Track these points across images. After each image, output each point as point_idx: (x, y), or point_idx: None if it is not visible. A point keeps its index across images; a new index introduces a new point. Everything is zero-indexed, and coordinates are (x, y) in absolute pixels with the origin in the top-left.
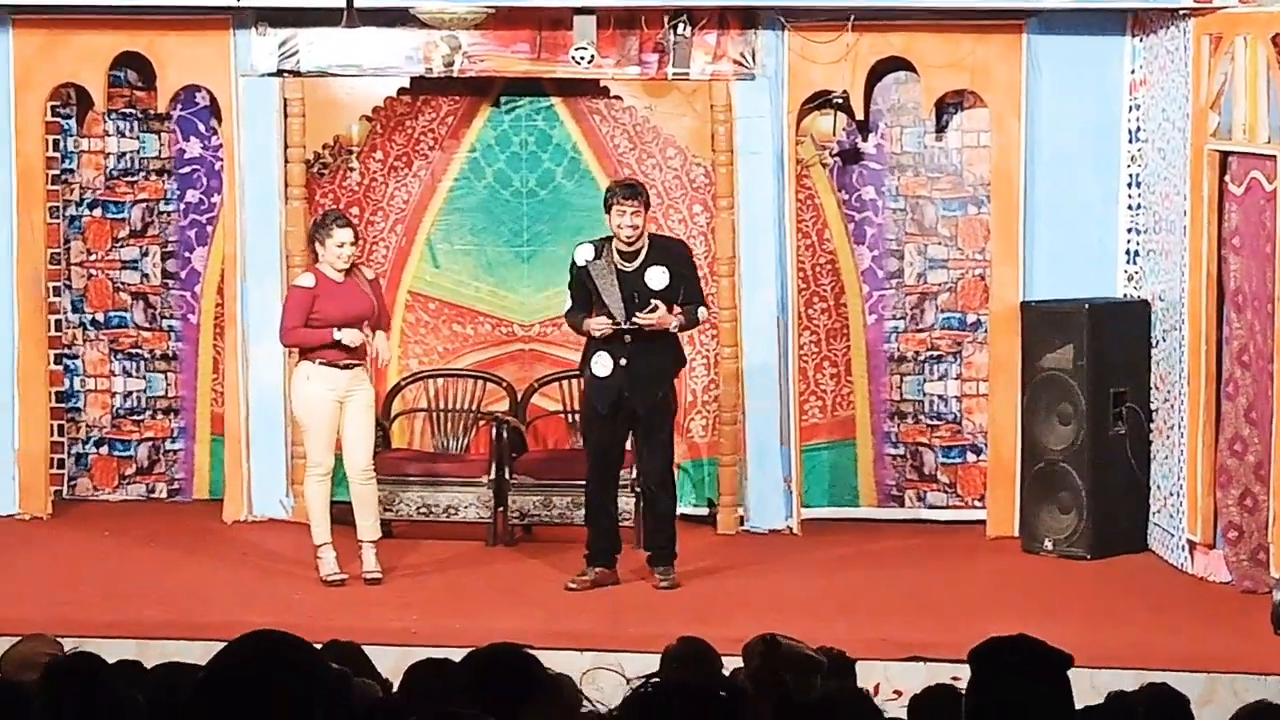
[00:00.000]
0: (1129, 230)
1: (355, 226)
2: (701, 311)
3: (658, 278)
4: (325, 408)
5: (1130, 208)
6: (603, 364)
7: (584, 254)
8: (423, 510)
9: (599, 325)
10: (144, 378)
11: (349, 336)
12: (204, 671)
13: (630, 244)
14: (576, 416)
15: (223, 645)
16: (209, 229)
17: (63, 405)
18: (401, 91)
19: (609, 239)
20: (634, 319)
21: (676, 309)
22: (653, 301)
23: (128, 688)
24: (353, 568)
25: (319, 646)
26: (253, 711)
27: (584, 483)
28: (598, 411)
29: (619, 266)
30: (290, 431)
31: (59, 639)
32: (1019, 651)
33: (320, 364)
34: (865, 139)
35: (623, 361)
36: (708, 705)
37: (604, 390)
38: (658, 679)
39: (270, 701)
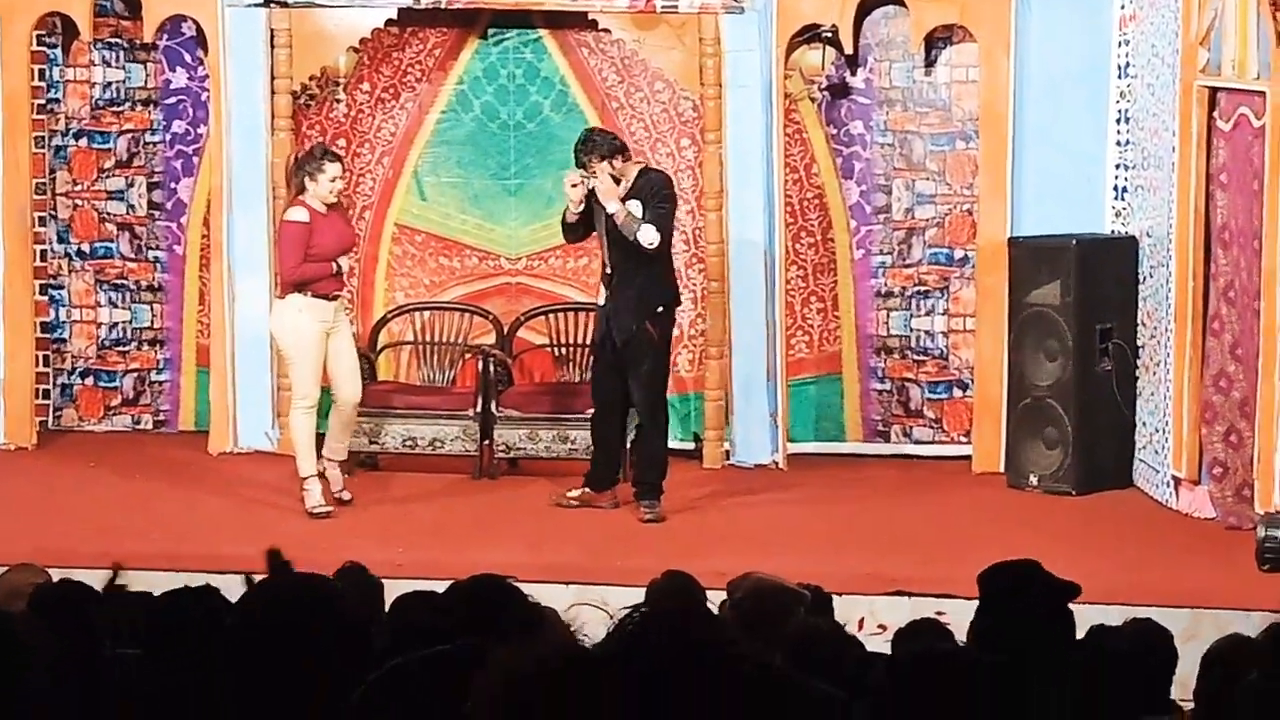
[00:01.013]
0: (1117, 166)
1: (341, 159)
2: (646, 230)
3: (633, 210)
4: (315, 339)
5: (1119, 143)
6: (601, 296)
7: (590, 182)
8: (408, 443)
9: (573, 194)
10: (129, 309)
11: (347, 265)
12: (234, 616)
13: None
14: (562, 350)
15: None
16: (195, 160)
17: (48, 336)
18: (389, 23)
19: None
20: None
21: (626, 205)
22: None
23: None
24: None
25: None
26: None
27: (568, 416)
28: (595, 342)
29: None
30: (276, 363)
31: (45, 569)
32: (1028, 577)
33: (312, 296)
34: (854, 73)
35: (609, 292)
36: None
37: (598, 321)
38: (644, 610)
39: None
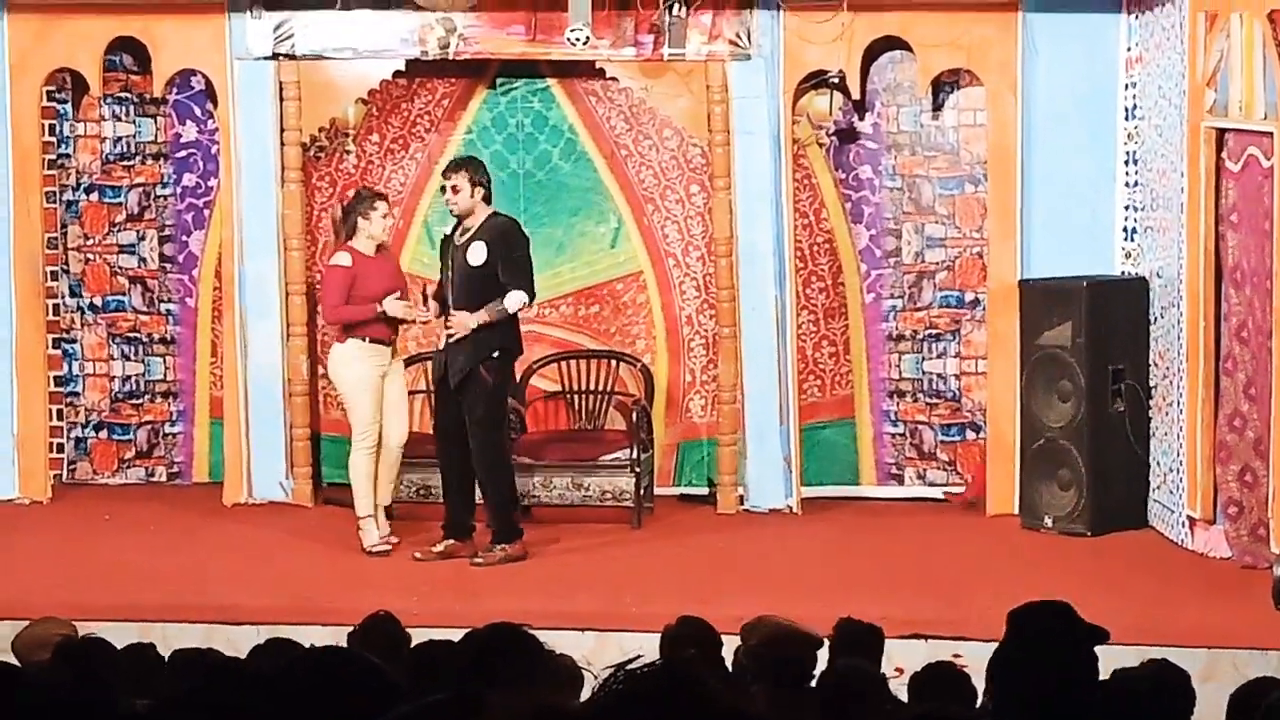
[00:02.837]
0: (1126, 207)
1: (388, 198)
2: (511, 299)
3: (477, 254)
4: (372, 383)
5: (1128, 185)
6: (443, 337)
7: (449, 228)
8: (422, 492)
9: (395, 307)
10: (142, 361)
11: (394, 307)
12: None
13: (461, 217)
14: (575, 397)
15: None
16: (206, 213)
17: (61, 389)
18: (397, 74)
19: None
20: (448, 325)
21: (481, 313)
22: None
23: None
24: (353, 542)
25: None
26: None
27: (582, 464)
28: (436, 384)
29: (455, 241)
30: (289, 413)
31: (71, 622)
32: (1058, 618)
33: (369, 341)
34: (862, 118)
35: (449, 334)
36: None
37: (437, 363)
38: (628, 669)
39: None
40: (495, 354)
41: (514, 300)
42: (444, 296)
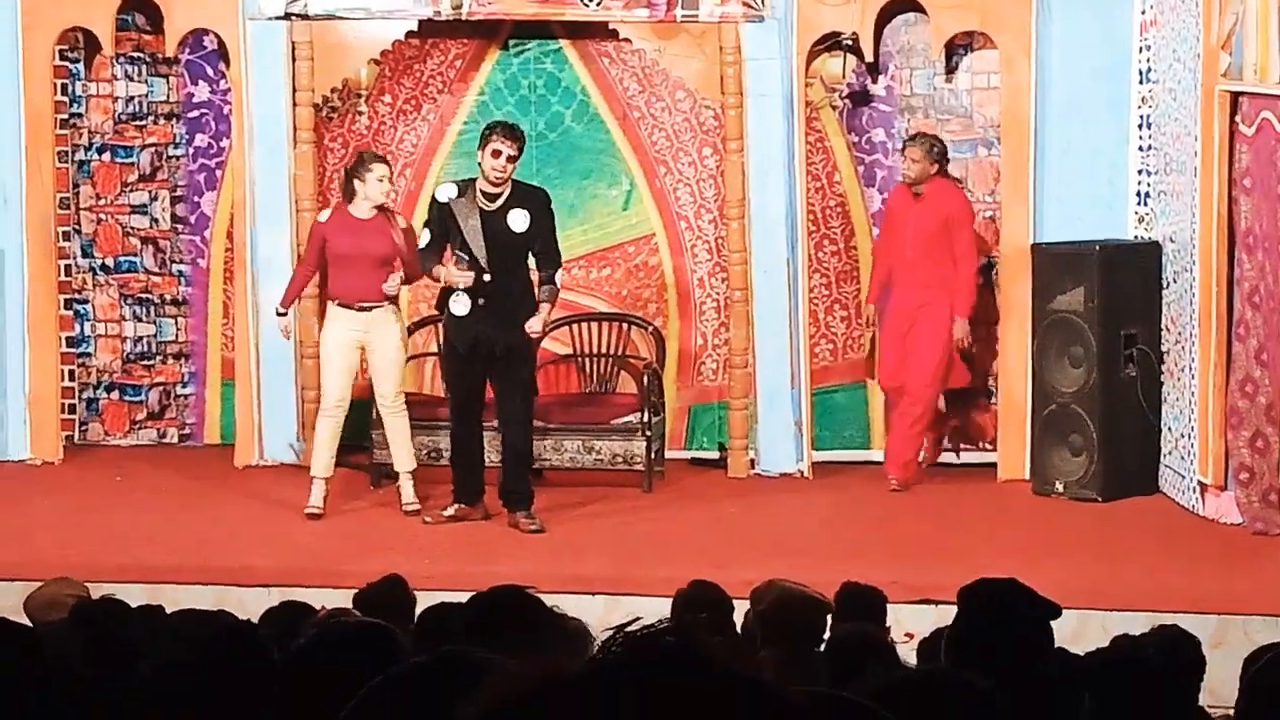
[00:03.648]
0: (1139, 172)
1: (389, 162)
2: (559, 277)
3: (519, 220)
4: (340, 347)
5: (1141, 149)
6: (461, 303)
7: (446, 192)
8: (432, 454)
9: (461, 277)
10: (154, 322)
11: (281, 322)
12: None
13: (496, 185)
14: (587, 361)
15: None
16: (218, 173)
17: (73, 350)
18: (410, 35)
19: (472, 180)
20: (531, 327)
21: (545, 306)
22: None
23: (151, 631)
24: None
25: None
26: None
27: (593, 426)
28: (457, 351)
29: (481, 206)
30: (300, 376)
31: (83, 583)
32: (1008, 594)
33: (337, 304)
34: (875, 81)
35: (480, 301)
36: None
37: (463, 329)
38: (626, 630)
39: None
40: (531, 315)
41: (559, 280)
42: (471, 269)
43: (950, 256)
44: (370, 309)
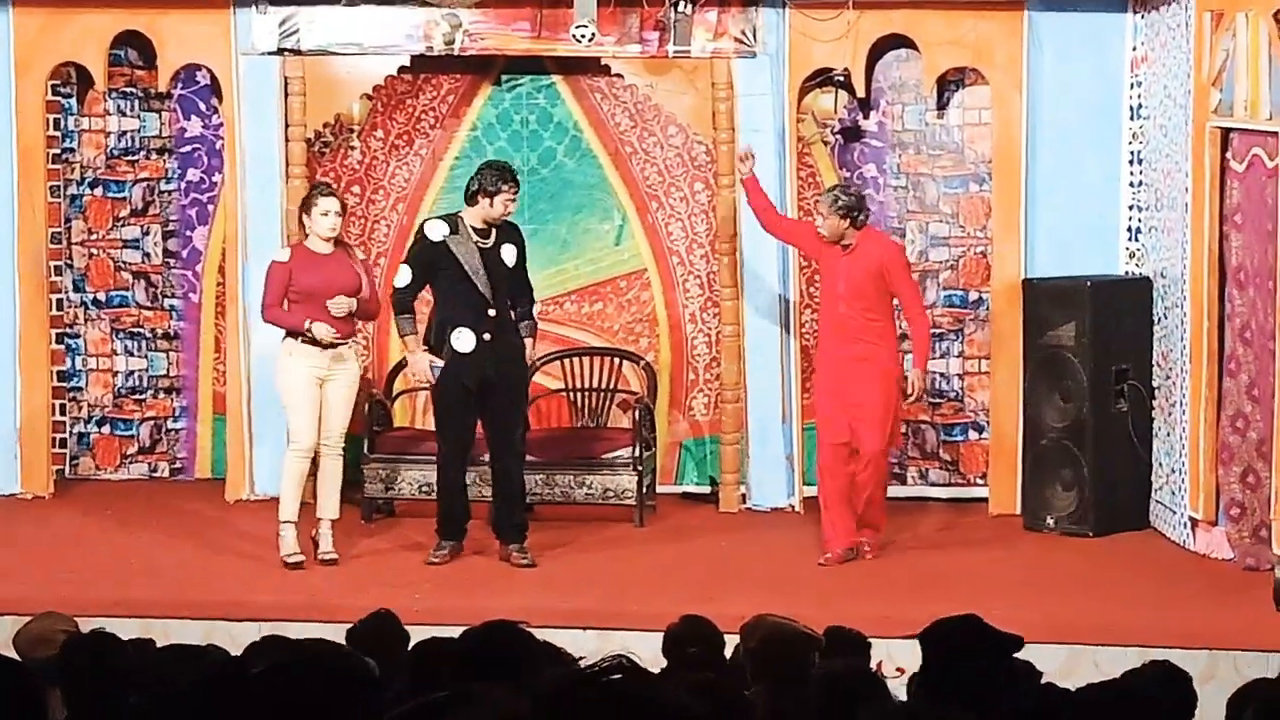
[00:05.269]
0: (1131, 207)
1: (340, 197)
2: (535, 311)
3: (510, 255)
4: (305, 385)
5: (1132, 185)
6: (465, 339)
7: (439, 230)
8: (424, 489)
9: (319, 330)
10: (145, 357)
11: (320, 330)
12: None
13: (495, 222)
14: (579, 395)
15: (228, 624)
16: (210, 208)
17: (64, 384)
18: (402, 70)
19: (457, 215)
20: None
21: (529, 341)
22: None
23: (141, 666)
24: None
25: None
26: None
27: (585, 461)
28: (464, 387)
29: (477, 243)
30: None
31: (73, 618)
32: (967, 633)
33: (302, 341)
34: (866, 116)
35: (486, 336)
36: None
37: (473, 365)
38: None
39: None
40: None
41: (535, 313)
42: (475, 305)
43: (885, 307)
44: (334, 346)
